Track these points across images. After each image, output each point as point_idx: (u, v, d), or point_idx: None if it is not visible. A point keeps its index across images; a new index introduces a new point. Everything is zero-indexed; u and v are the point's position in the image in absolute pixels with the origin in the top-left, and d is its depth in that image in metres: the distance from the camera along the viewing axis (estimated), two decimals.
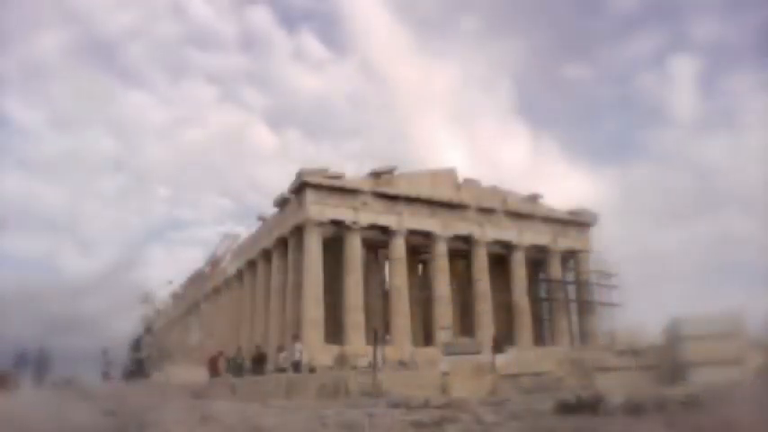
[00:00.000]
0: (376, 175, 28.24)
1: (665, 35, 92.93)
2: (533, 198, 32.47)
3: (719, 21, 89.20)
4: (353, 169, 28.45)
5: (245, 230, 36.04)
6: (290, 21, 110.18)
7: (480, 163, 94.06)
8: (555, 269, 32.37)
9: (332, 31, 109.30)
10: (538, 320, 32.15)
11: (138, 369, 19.32)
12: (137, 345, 19.06)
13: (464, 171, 31.15)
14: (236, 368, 20.78)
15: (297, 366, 19.42)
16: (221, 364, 21.25)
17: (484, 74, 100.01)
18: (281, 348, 21.99)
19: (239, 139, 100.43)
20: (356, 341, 25.28)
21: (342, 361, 21.78)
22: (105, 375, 19.00)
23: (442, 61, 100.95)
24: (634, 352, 12.25)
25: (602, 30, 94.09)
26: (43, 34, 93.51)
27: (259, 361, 20.94)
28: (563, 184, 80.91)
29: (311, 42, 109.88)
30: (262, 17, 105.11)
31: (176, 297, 48.43)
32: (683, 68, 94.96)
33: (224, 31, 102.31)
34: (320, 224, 26.84)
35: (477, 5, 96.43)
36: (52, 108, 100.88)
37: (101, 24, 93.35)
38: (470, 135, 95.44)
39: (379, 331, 17.57)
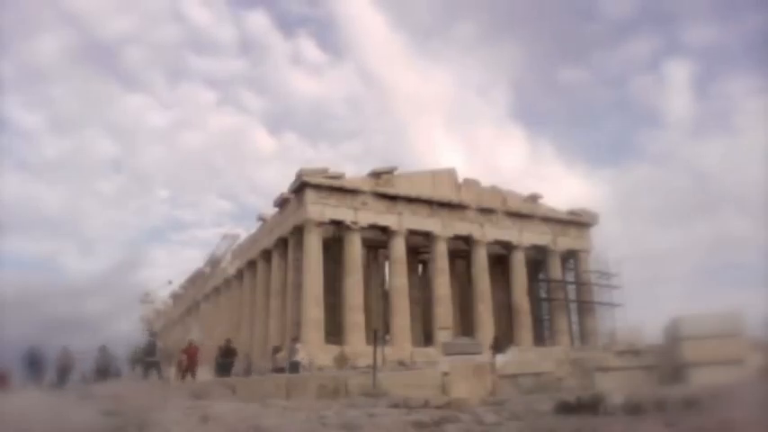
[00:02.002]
0: (376, 175, 28.22)
1: (659, 39, 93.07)
2: (533, 198, 32.46)
3: (714, 25, 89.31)
4: (351, 171, 28.38)
5: (244, 231, 36.10)
6: (287, 25, 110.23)
7: (478, 165, 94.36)
8: (555, 269, 32.37)
9: (329, 36, 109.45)
10: (538, 320, 32.15)
11: (148, 371, 18.90)
12: (151, 349, 18.50)
13: (462, 173, 31.09)
14: (220, 367, 19.79)
15: (295, 367, 19.26)
16: (199, 359, 19.87)
17: (480, 78, 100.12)
18: (279, 348, 21.91)
19: (238, 141, 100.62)
20: (356, 341, 25.27)
21: (342, 361, 21.74)
22: (102, 374, 18.77)
23: (438, 65, 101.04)
24: (634, 352, 12.25)
25: (597, 34, 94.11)
26: (43, 37, 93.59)
27: (228, 355, 19.73)
28: (560, 187, 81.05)
29: (308, 46, 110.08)
30: (259, 22, 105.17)
31: (176, 297, 48.44)
32: (679, 72, 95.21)
33: (222, 36, 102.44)
34: (320, 224, 26.82)
35: (473, 10, 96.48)
36: (52, 110, 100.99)
37: (100, 28, 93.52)
38: (468, 138, 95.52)
39: (379, 331, 17.49)
